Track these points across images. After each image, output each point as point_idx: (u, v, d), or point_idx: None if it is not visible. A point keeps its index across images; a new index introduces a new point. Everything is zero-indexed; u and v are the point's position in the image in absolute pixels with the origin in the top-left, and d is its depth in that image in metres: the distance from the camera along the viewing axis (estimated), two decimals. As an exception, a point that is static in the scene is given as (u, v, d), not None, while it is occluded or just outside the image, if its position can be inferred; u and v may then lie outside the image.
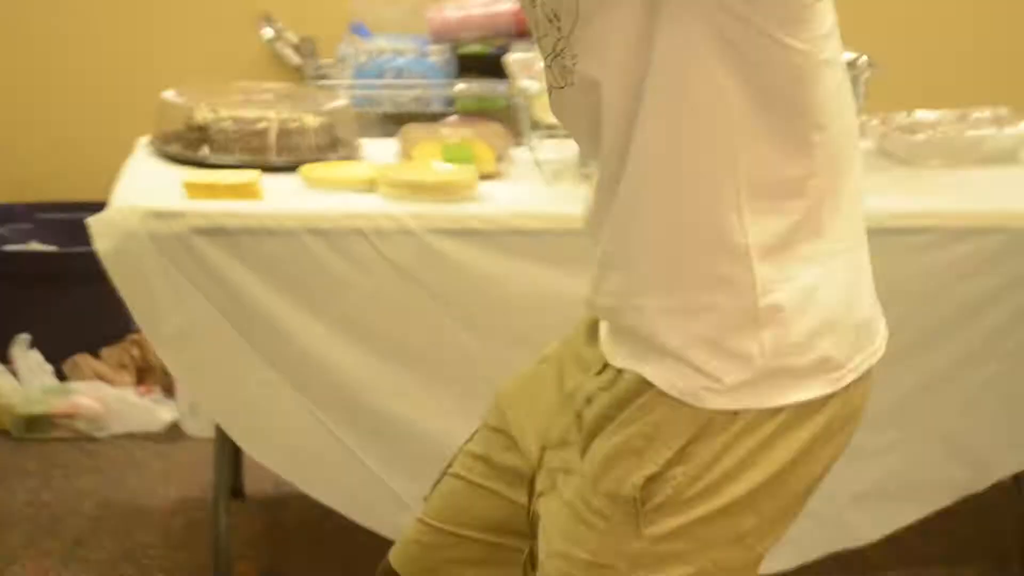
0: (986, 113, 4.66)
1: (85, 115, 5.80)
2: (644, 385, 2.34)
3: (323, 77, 5.72)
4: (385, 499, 4.18)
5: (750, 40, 2.24)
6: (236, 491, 4.78)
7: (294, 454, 4.17)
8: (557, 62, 2.41)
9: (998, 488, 4.28)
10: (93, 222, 3.93)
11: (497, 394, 2.77)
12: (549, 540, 2.48)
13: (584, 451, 2.46)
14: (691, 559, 2.41)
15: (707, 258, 2.32)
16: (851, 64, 4.16)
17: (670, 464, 2.34)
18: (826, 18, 2.29)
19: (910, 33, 6.12)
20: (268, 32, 5.95)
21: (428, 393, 3.92)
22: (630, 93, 2.30)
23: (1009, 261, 4.06)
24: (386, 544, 3.94)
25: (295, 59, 5.95)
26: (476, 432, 2.77)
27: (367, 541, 4.22)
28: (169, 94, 4.60)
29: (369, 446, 4.12)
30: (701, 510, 2.36)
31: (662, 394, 2.32)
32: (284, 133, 4.43)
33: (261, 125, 4.41)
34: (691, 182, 2.30)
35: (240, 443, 4.25)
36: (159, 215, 3.95)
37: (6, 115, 5.92)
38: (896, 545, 4.29)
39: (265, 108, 4.50)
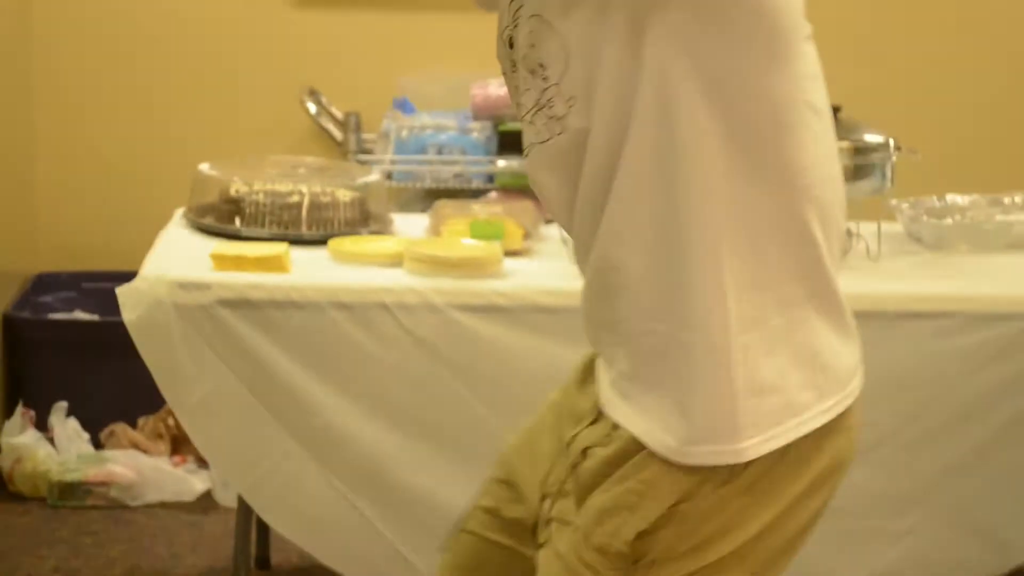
0: (1018, 198, 4.66)
1: (131, 187, 5.85)
2: (638, 444, 2.35)
3: (366, 152, 5.73)
4: (406, 572, 4.17)
5: (731, 76, 2.28)
6: (263, 562, 4.81)
7: (315, 526, 4.16)
8: (542, 114, 2.41)
9: (1021, 572, 4.28)
10: (121, 292, 3.97)
11: (504, 446, 2.78)
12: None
13: (580, 502, 2.45)
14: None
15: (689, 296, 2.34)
16: (880, 146, 4.33)
17: (661, 521, 2.35)
18: (810, 60, 2.33)
19: (946, 117, 6.11)
20: (313, 107, 5.97)
21: (449, 467, 3.89)
22: (615, 139, 2.31)
23: None
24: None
25: (338, 134, 5.95)
26: (485, 486, 2.77)
27: None
28: (204, 167, 4.63)
29: (390, 519, 4.11)
30: (691, 566, 2.38)
31: (654, 453, 2.35)
32: (315, 207, 4.46)
33: (293, 198, 4.46)
34: (673, 230, 2.31)
35: (261, 514, 4.24)
36: (185, 286, 3.99)
37: (53, 186, 5.99)
38: None
39: (299, 182, 4.53)
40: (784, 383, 2.35)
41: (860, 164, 4.34)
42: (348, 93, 6.12)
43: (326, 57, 6.20)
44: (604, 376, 2.49)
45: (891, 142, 4.35)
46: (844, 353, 2.44)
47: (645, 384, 2.38)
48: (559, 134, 2.40)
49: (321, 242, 4.34)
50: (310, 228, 4.44)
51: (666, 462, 2.33)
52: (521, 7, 2.47)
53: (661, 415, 2.35)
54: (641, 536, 2.36)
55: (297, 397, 4.04)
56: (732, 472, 2.34)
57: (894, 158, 4.36)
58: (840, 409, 2.39)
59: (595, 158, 2.35)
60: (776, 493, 2.39)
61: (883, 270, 4.29)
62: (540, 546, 2.55)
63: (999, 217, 4.56)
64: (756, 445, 2.33)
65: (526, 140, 2.51)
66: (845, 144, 4.30)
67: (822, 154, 2.34)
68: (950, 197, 4.66)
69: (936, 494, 4.13)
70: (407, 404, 4.08)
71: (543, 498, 2.58)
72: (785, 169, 2.32)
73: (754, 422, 2.33)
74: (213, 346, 4.01)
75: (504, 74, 2.57)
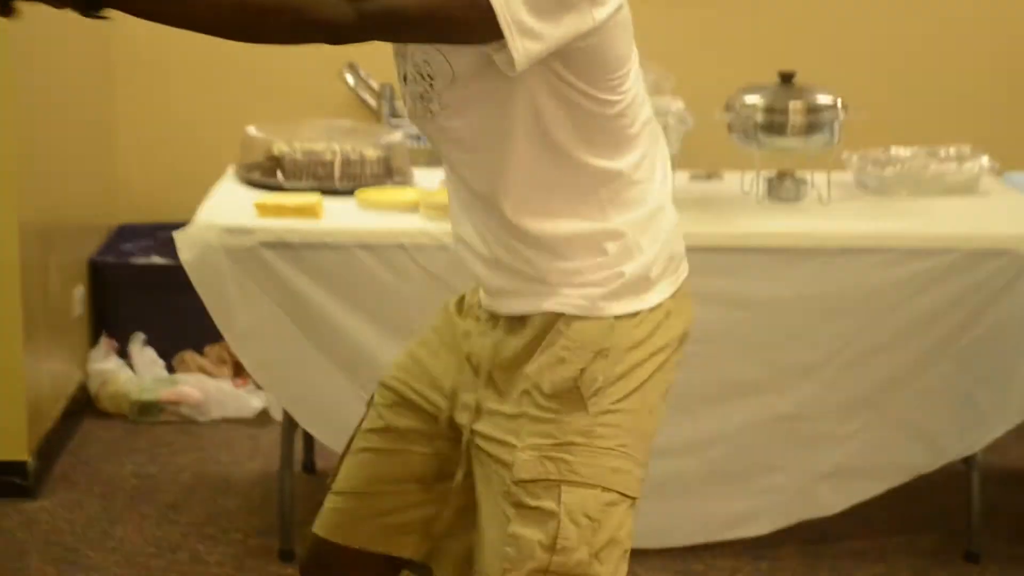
0: (951, 150, 4.73)
1: (194, 148, 5.89)
2: (552, 317, 2.58)
3: (397, 116, 5.73)
4: None
5: (576, 96, 2.50)
6: (309, 467, 4.90)
7: (346, 430, 4.18)
8: (421, 103, 2.60)
9: (949, 469, 4.34)
10: (178, 236, 4.07)
11: (385, 377, 2.91)
12: (514, 444, 2.59)
13: (502, 386, 2.65)
14: (625, 427, 2.61)
15: (583, 233, 2.59)
16: (829, 107, 4.41)
17: (594, 359, 2.57)
18: (631, 83, 2.60)
19: (892, 77, 6.09)
20: (351, 79, 5.98)
21: None
22: (493, 139, 2.55)
23: (959, 277, 4.13)
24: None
25: (373, 103, 5.96)
26: (366, 415, 2.91)
27: None
28: (251, 129, 4.70)
29: None
30: (625, 387, 2.60)
31: (572, 317, 2.58)
32: (346, 163, 4.53)
33: (327, 156, 4.52)
34: (559, 191, 2.58)
35: (303, 425, 4.34)
36: (232, 231, 4.07)
37: (131, 149, 6.05)
38: (858, 517, 4.37)
39: (332, 141, 4.60)
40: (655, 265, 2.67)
41: (812, 122, 4.39)
42: (383, 67, 6.00)
43: None
44: (501, 289, 2.67)
45: (839, 102, 4.41)
46: (678, 248, 2.75)
47: (558, 280, 2.61)
48: (431, 122, 2.59)
49: (350, 193, 4.41)
50: (341, 181, 4.50)
51: (583, 319, 2.59)
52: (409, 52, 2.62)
53: (575, 292, 2.60)
54: (582, 372, 2.56)
55: (330, 324, 4.13)
56: (639, 317, 2.61)
57: (842, 116, 4.41)
58: (682, 280, 2.73)
59: (477, 152, 2.59)
60: (667, 328, 2.67)
61: (832, 212, 4.37)
62: (470, 423, 2.69)
63: (934, 167, 4.62)
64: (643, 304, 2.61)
65: (406, 101, 2.67)
66: (799, 104, 4.40)
67: (643, 117, 2.65)
68: (893, 150, 4.72)
69: (875, 403, 4.21)
70: (419, 326, 4.12)
71: (453, 392, 2.75)
72: (622, 140, 2.62)
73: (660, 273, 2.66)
74: (257, 282, 4.09)
75: (394, 55, 2.67)
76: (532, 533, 2.56)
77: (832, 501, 4.28)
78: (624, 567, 2.69)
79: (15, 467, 4.79)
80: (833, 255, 4.15)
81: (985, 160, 4.71)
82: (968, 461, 4.35)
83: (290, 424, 4.40)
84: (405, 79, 2.65)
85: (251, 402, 5.52)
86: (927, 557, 4.47)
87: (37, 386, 4.89)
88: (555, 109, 2.57)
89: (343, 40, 2.42)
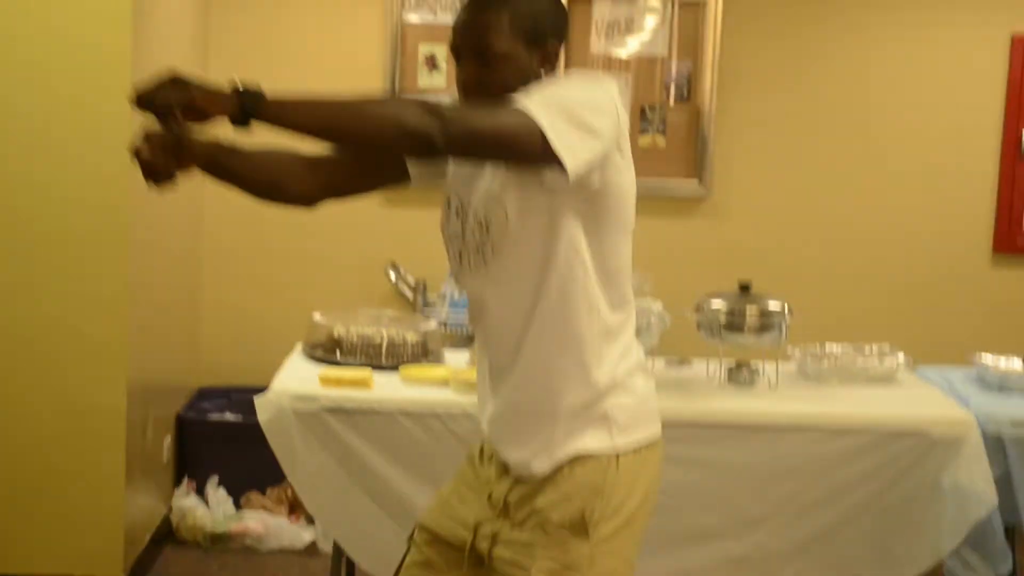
0: (874, 347, 4.74)
1: (267, 327, 5.95)
2: (555, 470, 2.67)
3: (429, 306, 5.78)
4: None
5: (600, 238, 2.64)
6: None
7: (388, 561, 3.81)
8: (477, 255, 2.69)
9: None
10: (257, 400, 4.05)
11: (421, 517, 2.99)
12: (532, 560, 2.65)
13: (516, 518, 2.71)
14: (617, 553, 2.70)
15: (577, 361, 2.67)
16: (777, 312, 4.45)
17: (592, 494, 2.65)
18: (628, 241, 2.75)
19: (829, 289, 6.16)
20: (393, 275, 6.04)
21: None
22: (532, 271, 2.64)
23: (878, 452, 4.12)
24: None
25: (410, 295, 6.00)
26: (408, 550, 2.98)
27: None
28: (317, 315, 4.69)
29: None
30: (618, 521, 2.67)
31: (575, 459, 2.67)
32: (391, 345, 4.54)
33: (376, 339, 4.54)
34: (571, 311, 2.65)
35: (348, 552, 4.25)
36: (300, 398, 4.07)
37: (214, 327, 6.15)
38: None
39: (380, 327, 4.61)
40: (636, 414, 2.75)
41: (764, 323, 4.43)
42: (418, 266, 6.10)
43: (403, 240, 6.17)
44: (521, 447, 2.73)
45: (786, 307, 4.47)
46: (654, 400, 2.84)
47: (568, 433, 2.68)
48: (483, 267, 2.69)
49: (394, 368, 4.41)
50: (387, 359, 4.50)
51: (596, 458, 2.68)
52: (467, 193, 2.73)
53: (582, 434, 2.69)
54: (586, 508, 2.64)
55: (377, 475, 4.09)
56: (624, 459, 2.69)
57: (788, 319, 4.46)
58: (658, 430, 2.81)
59: (512, 289, 2.68)
60: (645, 470, 2.74)
61: (778, 396, 4.37)
62: (489, 549, 2.75)
63: (860, 361, 4.63)
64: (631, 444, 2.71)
65: (457, 257, 2.79)
66: (754, 309, 4.44)
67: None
68: (828, 346, 4.73)
69: (810, 550, 4.17)
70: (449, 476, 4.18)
71: (476, 525, 2.80)
72: (623, 293, 2.75)
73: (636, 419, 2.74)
74: (318, 438, 4.06)
75: (446, 218, 2.81)
76: None
77: None
78: None
79: None
80: (779, 431, 4.16)
81: (901, 356, 4.72)
82: None
83: (338, 554, 4.34)
84: (463, 240, 2.73)
85: (303, 535, 5.54)
86: None
87: (132, 517, 4.90)
88: (583, 243, 2.63)
89: (433, 153, 2.47)
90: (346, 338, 4.58)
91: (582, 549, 2.65)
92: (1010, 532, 4.28)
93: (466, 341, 5.31)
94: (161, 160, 2.42)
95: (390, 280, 6.10)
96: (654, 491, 2.80)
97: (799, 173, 6.34)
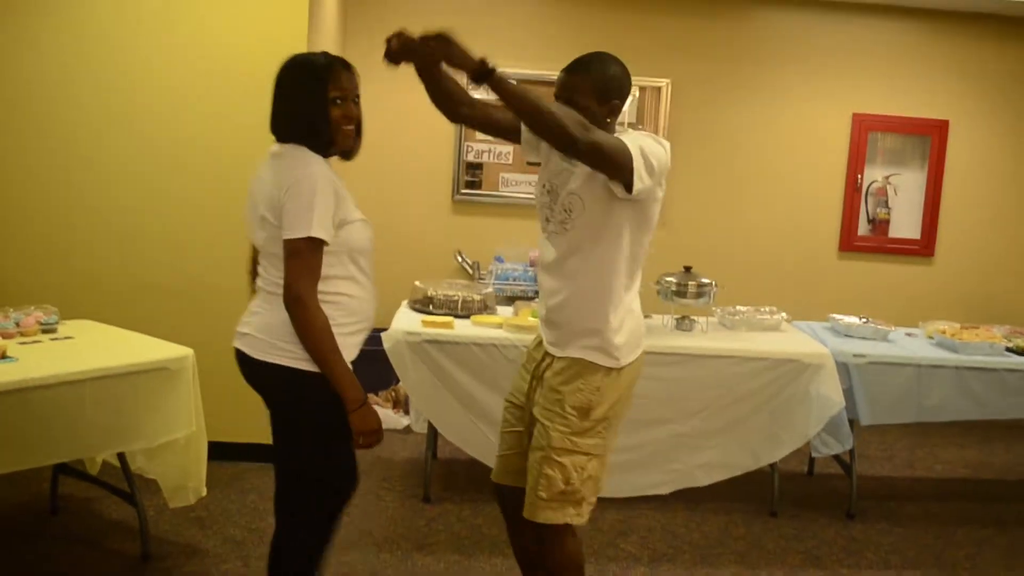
0: (767, 308, 4.81)
1: (383, 291, 5.71)
2: (575, 361, 2.70)
3: (482, 279, 5.73)
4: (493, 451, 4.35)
5: (634, 233, 2.64)
6: (435, 455, 4.81)
7: (461, 435, 4.23)
8: (560, 225, 2.66)
9: (762, 470, 4.41)
10: (383, 335, 4.09)
11: (507, 395, 3.00)
12: (549, 426, 2.69)
13: (548, 393, 2.74)
14: (601, 435, 2.75)
15: (603, 306, 2.67)
16: (708, 284, 4.47)
17: (594, 392, 2.70)
18: (649, 239, 2.71)
19: (742, 272, 6.12)
20: (459, 258, 6.02)
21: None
22: (592, 241, 2.63)
23: (770, 371, 4.24)
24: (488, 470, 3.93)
25: (470, 271, 5.94)
26: (503, 416, 3.01)
27: (484, 472, 4.45)
28: (416, 283, 4.69)
29: (494, 434, 3.96)
30: (606, 410, 2.73)
31: (587, 363, 2.70)
32: (464, 302, 4.60)
33: (455, 297, 4.61)
34: (607, 276, 2.66)
35: (441, 432, 4.29)
36: (409, 333, 4.15)
37: None
38: (715, 489, 4.42)
39: (457, 291, 4.66)
40: (629, 340, 2.74)
41: (700, 291, 4.51)
42: (474, 253, 6.06)
43: (465, 235, 6.09)
44: (552, 331, 2.73)
45: (714, 283, 4.56)
46: (643, 330, 2.81)
47: (584, 338, 2.69)
48: (562, 233, 2.66)
49: (467, 316, 4.49)
50: (462, 310, 4.57)
51: (593, 365, 2.69)
52: (559, 183, 2.68)
53: (594, 351, 2.70)
54: (590, 400, 2.70)
55: (457, 381, 4.16)
56: (619, 372, 2.72)
57: (715, 290, 4.55)
58: (640, 353, 2.80)
59: (576, 242, 2.65)
60: (626, 382, 2.76)
61: (707, 338, 4.43)
62: (535, 416, 2.78)
63: (758, 316, 4.71)
64: (623, 364, 2.73)
65: (543, 223, 2.74)
66: (694, 283, 4.49)
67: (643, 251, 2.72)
68: (739, 307, 4.80)
69: (726, 432, 4.27)
70: (503, 386, 3.81)
71: (528, 394, 2.88)
72: (640, 255, 2.72)
73: (626, 351, 2.74)
74: (420, 359, 4.14)
75: (539, 196, 2.75)
76: (555, 474, 2.71)
77: (703, 479, 4.31)
78: (595, 494, 2.79)
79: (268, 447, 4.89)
80: (708, 358, 4.24)
81: (783, 314, 4.80)
82: (772, 466, 4.45)
83: (432, 431, 4.46)
84: (551, 212, 2.69)
85: (402, 421, 5.51)
86: (750, 513, 4.50)
87: None
88: (625, 236, 2.62)
89: (571, 152, 2.40)
90: (435, 297, 4.63)
91: (584, 424, 2.73)
92: (852, 423, 4.43)
93: (509, 301, 5.29)
94: (400, 53, 2.42)
95: (456, 261, 6.06)
96: (630, 395, 2.82)
97: (721, 197, 6.33)
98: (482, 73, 2.34)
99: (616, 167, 2.48)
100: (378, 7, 6.03)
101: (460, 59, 2.36)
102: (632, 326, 2.75)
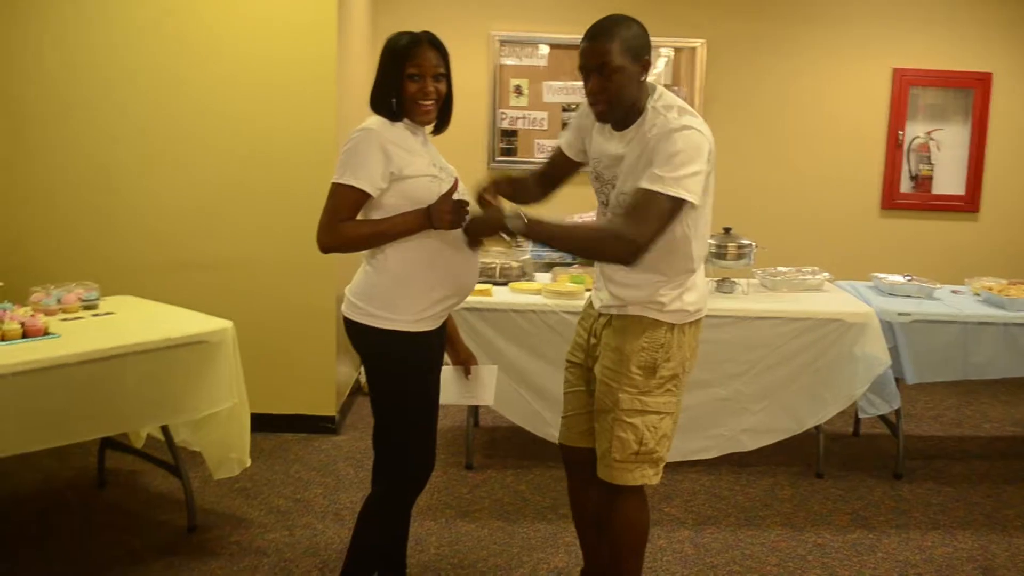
0: (808, 268, 4.78)
1: None
2: (637, 317, 2.68)
3: (519, 246, 5.19)
4: (541, 421, 4.23)
5: (694, 220, 2.61)
6: (476, 422, 4.93)
7: (505, 403, 4.21)
8: (618, 208, 2.64)
9: (808, 432, 4.34)
10: None
11: (567, 354, 2.99)
12: (616, 387, 2.67)
13: (611, 352, 2.71)
14: (671, 392, 2.73)
15: (666, 266, 2.65)
16: (748, 245, 4.42)
17: (658, 350, 2.68)
18: (708, 223, 2.70)
19: (781, 232, 5.99)
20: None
21: (557, 375, 3.57)
22: None
23: (813, 332, 4.19)
24: (542, 443, 4.00)
25: (507, 238, 5.86)
26: (565, 376, 2.99)
27: (533, 440, 4.37)
28: None
29: (536, 400, 4.20)
30: (674, 367, 2.71)
31: (650, 320, 2.67)
32: (504, 269, 4.60)
33: (493, 265, 4.59)
34: (669, 243, 2.60)
35: None
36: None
37: None
38: (761, 453, 4.45)
39: (495, 258, 4.64)
40: (696, 303, 2.73)
41: (740, 253, 4.45)
42: None
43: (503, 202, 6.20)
44: (621, 302, 2.69)
45: (753, 244, 4.49)
46: (706, 296, 2.78)
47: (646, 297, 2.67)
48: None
49: (505, 284, 4.49)
50: (500, 278, 4.57)
51: (663, 324, 2.67)
52: (603, 169, 2.70)
53: (655, 308, 2.67)
54: (656, 358, 2.68)
55: (497, 349, 4.17)
56: (682, 328, 2.71)
57: (755, 250, 4.48)
58: (703, 315, 2.78)
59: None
60: (689, 340, 2.74)
61: (749, 299, 4.38)
62: (589, 368, 2.81)
63: (800, 277, 4.67)
64: (684, 321, 2.71)
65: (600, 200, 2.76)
66: (733, 244, 4.44)
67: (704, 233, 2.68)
68: (780, 267, 4.77)
69: (770, 395, 4.23)
70: (545, 353, 4.15)
71: (587, 351, 2.87)
72: (700, 245, 2.70)
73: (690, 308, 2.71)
74: (461, 327, 4.06)
75: (595, 183, 2.76)
76: (628, 436, 2.70)
77: (748, 444, 4.28)
78: (668, 450, 2.77)
79: (329, 418, 4.83)
80: (749, 320, 4.21)
81: (826, 274, 4.76)
82: (817, 426, 4.38)
83: None
84: (607, 197, 2.70)
85: None
86: (796, 475, 4.45)
87: (339, 376, 4.88)
88: (685, 224, 2.59)
89: (637, 261, 2.47)
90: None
91: (651, 382, 2.70)
92: (898, 382, 4.37)
93: (546, 267, 5.27)
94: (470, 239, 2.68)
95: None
96: (695, 354, 2.78)
97: (760, 158, 6.28)
98: (517, 232, 2.51)
99: (674, 217, 2.50)
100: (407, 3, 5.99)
101: (495, 229, 2.56)
102: (694, 284, 2.73)
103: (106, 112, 4.63)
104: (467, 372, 3.07)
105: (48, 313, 3.62)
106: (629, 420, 2.71)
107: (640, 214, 2.44)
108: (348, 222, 2.62)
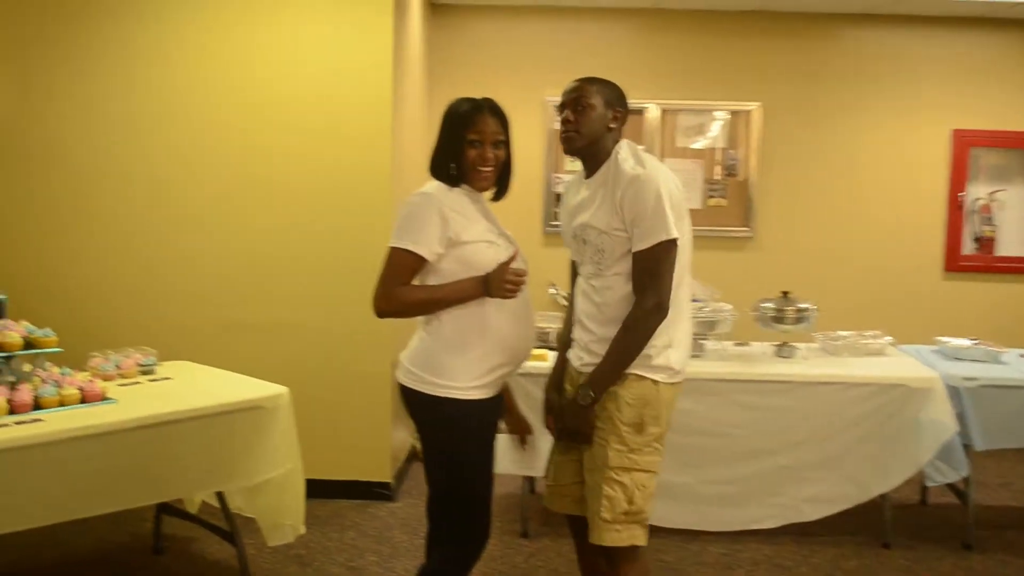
0: (870, 332, 4.69)
1: None
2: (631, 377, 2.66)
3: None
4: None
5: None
6: (532, 489, 4.77)
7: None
8: (595, 266, 2.71)
9: (872, 501, 4.23)
10: None
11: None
12: (604, 443, 2.66)
13: (598, 412, 2.69)
14: (658, 451, 2.72)
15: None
16: (808, 309, 4.36)
17: (644, 406, 2.68)
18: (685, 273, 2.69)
19: (841, 294, 5.90)
20: (552, 291, 5.48)
21: None
22: (618, 282, 2.67)
23: (877, 398, 4.10)
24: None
25: (564, 303, 5.24)
26: (552, 446, 2.95)
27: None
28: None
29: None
30: (659, 428, 2.71)
31: (633, 376, 2.66)
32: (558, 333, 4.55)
33: (549, 330, 4.54)
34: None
35: (537, 467, 4.03)
36: None
37: None
38: (824, 523, 4.26)
39: (551, 323, 4.56)
40: (678, 362, 2.73)
41: (799, 317, 4.40)
42: (569, 285, 6.13)
43: (559, 267, 5.78)
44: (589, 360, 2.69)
45: (813, 307, 4.44)
46: (688, 353, 2.77)
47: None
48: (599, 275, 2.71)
49: None
50: (556, 342, 4.47)
51: (651, 383, 2.67)
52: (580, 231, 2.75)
53: (646, 362, 2.66)
54: (642, 414, 2.67)
55: None
56: (667, 387, 2.70)
57: (815, 315, 4.43)
58: (682, 378, 2.75)
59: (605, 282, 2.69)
60: (669, 398, 2.72)
61: (809, 364, 4.31)
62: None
63: (862, 341, 4.59)
64: (666, 380, 2.70)
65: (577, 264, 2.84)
66: (792, 309, 4.39)
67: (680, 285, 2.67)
68: (840, 332, 4.68)
69: (832, 463, 4.13)
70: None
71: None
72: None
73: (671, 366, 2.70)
74: (516, 393, 3.89)
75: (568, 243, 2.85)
76: (617, 494, 2.67)
77: (810, 514, 4.18)
78: (651, 512, 2.73)
79: (384, 484, 4.81)
80: (810, 385, 4.13)
81: (888, 338, 4.68)
82: (883, 496, 4.28)
83: None
84: (583, 255, 2.76)
85: None
86: (861, 545, 4.34)
87: (394, 442, 4.86)
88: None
89: (663, 314, 2.61)
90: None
91: (640, 439, 2.70)
92: (966, 448, 4.24)
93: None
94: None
95: (550, 294, 5.75)
96: (671, 415, 2.76)
97: (818, 220, 6.20)
98: (594, 401, 2.67)
99: (672, 258, 2.64)
100: (461, 29, 6.07)
101: (583, 416, 2.70)
102: (679, 341, 2.73)
103: (155, 179, 4.70)
104: (523, 442, 3.00)
105: (106, 378, 3.65)
106: (618, 478, 2.68)
107: (646, 276, 2.60)
108: (405, 287, 2.62)
